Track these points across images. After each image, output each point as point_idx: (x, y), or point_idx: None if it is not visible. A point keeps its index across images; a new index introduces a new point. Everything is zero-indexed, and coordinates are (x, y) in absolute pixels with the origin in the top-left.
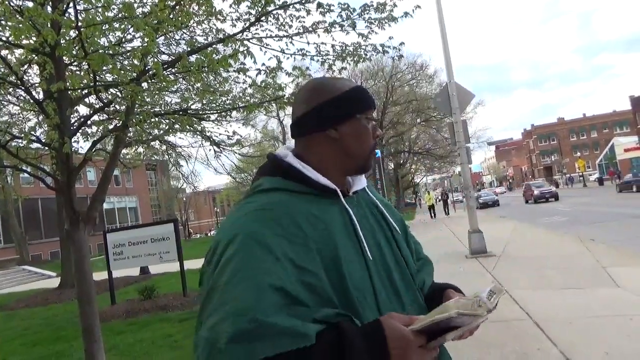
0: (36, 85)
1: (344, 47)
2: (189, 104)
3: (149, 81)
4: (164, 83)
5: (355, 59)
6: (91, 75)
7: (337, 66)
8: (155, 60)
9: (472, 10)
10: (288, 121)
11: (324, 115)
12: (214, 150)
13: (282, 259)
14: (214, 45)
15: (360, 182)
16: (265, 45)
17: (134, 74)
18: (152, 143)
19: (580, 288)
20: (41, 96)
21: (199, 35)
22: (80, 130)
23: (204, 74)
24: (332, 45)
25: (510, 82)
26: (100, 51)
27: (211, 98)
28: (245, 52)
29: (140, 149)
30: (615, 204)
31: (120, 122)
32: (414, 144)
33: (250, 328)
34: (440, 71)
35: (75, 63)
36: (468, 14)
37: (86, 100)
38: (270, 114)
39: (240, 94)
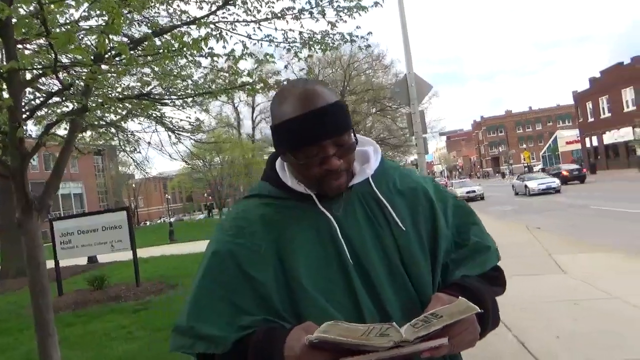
0: None
1: (311, 35)
2: (150, 88)
3: (112, 62)
4: (125, 65)
5: (322, 47)
6: (49, 55)
7: (303, 54)
8: (120, 40)
9: (428, 2)
10: (243, 108)
11: (272, 138)
12: (174, 137)
13: (234, 269)
14: (186, 28)
15: (360, 174)
16: (231, 30)
17: (93, 56)
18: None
19: (531, 275)
20: None
21: (163, 16)
22: (35, 114)
23: (175, 58)
24: (300, 33)
25: (464, 74)
26: (64, 29)
27: (171, 83)
28: (217, 36)
29: (90, 134)
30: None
31: (78, 105)
32: (369, 133)
33: (184, 327)
34: (397, 62)
35: (27, 41)
36: (424, 6)
37: (40, 81)
38: (230, 100)
39: (201, 80)
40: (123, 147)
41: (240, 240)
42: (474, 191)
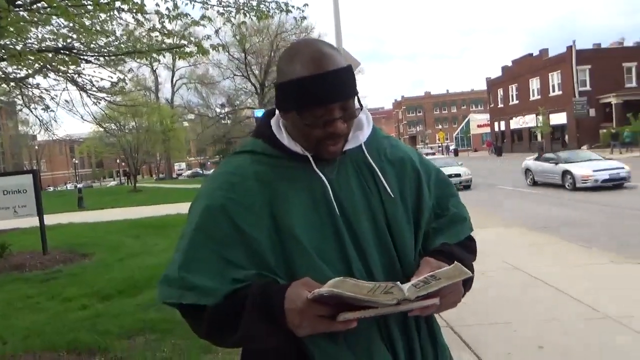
0: None
1: (247, 1)
2: (69, 42)
3: (32, 9)
4: (54, 15)
5: (257, 14)
6: None
7: (236, 20)
8: None
9: None
10: (162, 71)
11: (276, 96)
12: (87, 97)
13: (227, 225)
14: None
15: (354, 140)
16: None
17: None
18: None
19: None
20: None
21: None
22: None
23: (110, 12)
24: None
25: (387, 54)
26: None
27: (91, 38)
28: None
29: None
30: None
31: None
32: None
33: (174, 277)
34: (324, 36)
35: None
36: None
37: None
38: (149, 62)
39: (124, 37)
40: (28, 105)
41: (233, 196)
42: (459, 174)
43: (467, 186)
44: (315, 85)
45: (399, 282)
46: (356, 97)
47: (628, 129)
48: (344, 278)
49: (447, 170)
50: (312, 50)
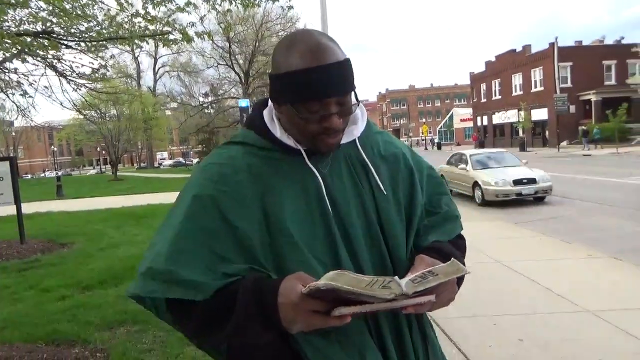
0: None
1: None
2: (49, 26)
3: None
4: None
5: (243, 1)
6: None
7: (221, 7)
8: None
9: None
10: (144, 59)
11: (270, 87)
12: (67, 83)
13: (216, 215)
14: None
15: (347, 135)
16: None
17: None
18: None
19: None
20: None
21: None
22: None
23: None
24: None
25: (373, 46)
26: None
27: (72, 23)
28: None
29: None
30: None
31: None
32: None
33: (161, 270)
34: (310, 26)
35: None
36: None
37: None
38: (130, 49)
39: (106, 22)
40: (5, 90)
41: (225, 188)
42: (534, 180)
43: (541, 197)
44: (312, 79)
45: (396, 277)
46: (353, 93)
47: (597, 126)
48: (341, 271)
49: (513, 173)
50: (310, 42)
